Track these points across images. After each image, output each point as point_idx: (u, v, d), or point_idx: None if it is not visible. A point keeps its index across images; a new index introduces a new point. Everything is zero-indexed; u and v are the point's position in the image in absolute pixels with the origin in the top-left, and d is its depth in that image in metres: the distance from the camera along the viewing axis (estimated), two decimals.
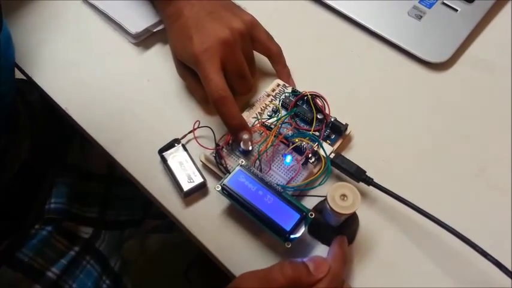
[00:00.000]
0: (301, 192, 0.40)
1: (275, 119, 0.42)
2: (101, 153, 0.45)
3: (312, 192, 0.39)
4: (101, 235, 0.55)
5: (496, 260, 0.33)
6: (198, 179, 0.40)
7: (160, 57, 0.49)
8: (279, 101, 0.44)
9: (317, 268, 0.31)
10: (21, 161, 0.49)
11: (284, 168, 0.39)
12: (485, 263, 0.33)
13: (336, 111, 0.42)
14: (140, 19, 0.49)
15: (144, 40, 0.49)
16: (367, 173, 0.39)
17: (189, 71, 0.43)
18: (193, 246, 0.40)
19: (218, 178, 0.40)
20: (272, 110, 0.43)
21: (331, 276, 0.31)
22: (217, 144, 0.40)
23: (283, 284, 0.31)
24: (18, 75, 0.52)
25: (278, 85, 0.45)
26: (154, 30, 0.48)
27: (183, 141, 0.42)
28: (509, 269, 0.33)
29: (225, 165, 0.39)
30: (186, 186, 0.40)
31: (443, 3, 0.50)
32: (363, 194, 0.40)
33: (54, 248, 0.50)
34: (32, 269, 0.47)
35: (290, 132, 0.41)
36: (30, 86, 0.50)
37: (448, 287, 0.36)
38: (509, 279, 0.33)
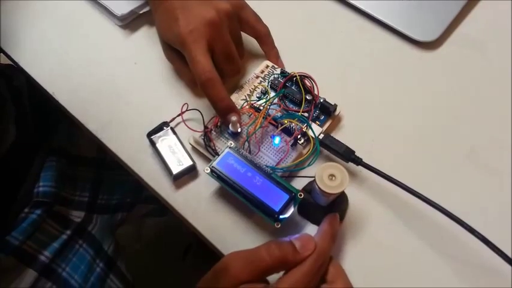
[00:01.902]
0: (291, 173, 0.40)
1: (264, 100, 0.42)
2: (91, 138, 0.44)
3: (301, 173, 0.39)
4: (93, 219, 0.55)
5: (483, 236, 0.33)
6: (187, 162, 0.40)
7: (147, 40, 0.48)
8: (268, 82, 0.44)
9: (303, 246, 0.32)
10: (7, 145, 0.49)
11: (273, 150, 0.39)
12: (473, 240, 0.34)
13: (325, 92, 0.42)
14: (126, 1, 0.48)
15: (130, 22, 0.49)
16: (356, 153, 0.39)
17: (176, 53, 0.42)
18: (189, 230, 0.41)
19: (207, 160, 0.40)
20: (261, 91, 0.43)
21: (317, 254, 0.32)
22: (205, 127, 0.40)
23: (270, 264, 0.31)
24: (4, 60, 0.51)
25: (267, 66, 0.44)
26: (141, 12, 0.48)
27: (172, 124, 0.42)
28: (496, 245, 0.33)
29: (213, 147, 0.39)
30: (176, 169, 0.40)
31: None
32: (352, 174, 0.40)
33: (46, 232, 0.50)
34: (24, 253, 0.47)
35: (279, 114, 0.41)
36: (16, 70, 0.49)
37: (436, 263, 0.36)
38: (497, 256, 0.33)
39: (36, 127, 0.55)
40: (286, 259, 0.31)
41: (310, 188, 0.37)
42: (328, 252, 0.33)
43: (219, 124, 0.40)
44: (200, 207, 0.40)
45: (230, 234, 0.38)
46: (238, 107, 0.41)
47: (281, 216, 0.35)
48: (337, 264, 0.34)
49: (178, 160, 0.40)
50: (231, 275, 0.31)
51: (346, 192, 0.36)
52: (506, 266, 0.33)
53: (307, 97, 0.42)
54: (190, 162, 0.40)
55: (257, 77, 0.44)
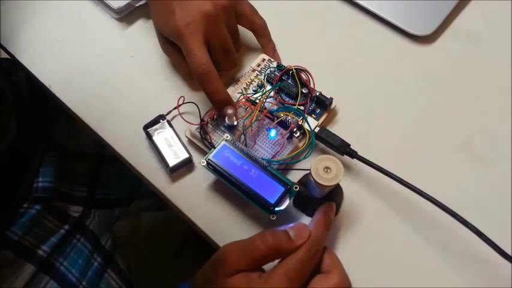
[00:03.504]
0: (286, 166, 0.40)
1: (260, 93, 0.42)
2: (88, 132, 0.45)
3: (297, 166, 0.39)
4: (91, 214, 0.55)
5: (477, 228, 0.34)
6: (184, 155, 0.40)
7: (143, 33, 0.48)
8: (264, 75, 0.44)
9: (297, 235, 0.32)
10: (9, 141, 0.49)
11: (269, 143, 0.40)
12: (467, 232, 0.34)
13: (321, 86, 0.42)
14: None
15: (127, 15, 0.49)
16: (351, 146, 0.39)
17: (172, 46, 0.42)
18: (186, 224, 0.41)
19: (204, 153, 0.40)
20: (257, 85, 0.43)
21: (311, 241, 0.32)
22: (202, 120, 0.40)
23: (265, 252, 0.31)
24: (3, 54, 0.51)
25: (263, 60, 0.45)
26: (137, 5, 0.48)
27: (168, 117, 0.42)
28: (489, 237, 0.33)
29: (210, 140, 0.40)
30: (172, 161, 0.40)
31: None
32: (348, 167, 0.40)
33: (44, 227, 0.50)
34: (23, 247, 0.48)
35: (275, 107, 0.41)
36: (15, 65, 0.49)
37: (430, 255, 0.37)
38: (489, 247, 0.33)
39: (36, 122, 0.55)
40: (280, 247, 0.31)
41: (305, 181, 0.37)
42: (322, 240, 0.33)
43: (215, 117, 0.40)
44: (196, 200, 0.40)
45: (226, 226, 0.39)
46: (235, 100, 0.41)
47: (276, 209, 0.35)
48: (333, 255, 0.34)
49: (174, 153, 0.40)
50: (227, 264, 0.31)
51: (341, 184, 0.37)
52: (499, 258, 0.33)
53: (303, 90, 0.42)
54: (186, 155, 0.40)
55: (253, 70, 0.44)
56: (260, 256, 0.31)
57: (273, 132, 0.39)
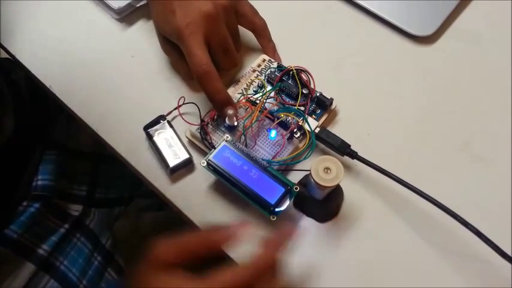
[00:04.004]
0: (287, 166, 0.40)
1: (260, 94, 0.42)
2: (88, 132, 0.45)
3: (298, 166, 0.40)
4: (91, 213, 0.55)
5: (477, 229, 0.34)
6: (184, 155, 0.40)
7: (144, 33, 0.48)
8: (265, 76, 0.44)
9: (231, 226, 0.31)
10: (4, 139, 0.49)
11: (269, 143, 0.40)
12: (467, 232, 0.34)
13: (322, 86, 0.42)
14: None
15: (127, 15, 0.49)
16: (351, 147, 0.39)
17: (173, 46, 0.42)
18: (186, 225, 0.41)
19: (204, 154, 0.40)
20: (258, 85, 0.43)
21: (254, 263, 0.29)
22: (202, 120, 0.40)
23: (194, 243, 0.30)
24: (3, 54, 0.51)
25: (264, 60, 0.45)
26: (138, 5, 0.48)
27: (169, 117, 0.42)
28: (489, 238, 0.34)
29: (210, 140, 0.40)
30: (172, 162, 0.40)
31: None
32: (348, 168, 0.40)
33: (44, 226, 0.50)
34: (22, 246, 0.48)
35: (275, 107, 0.41)
36: (15, 64, 0.49)
37: (430, 255, 0.37)
38: (490, 248, 0.33)
39: (35, 121, 0.55)
40: (209, 236, 0.31)
41: (306, 182, 0.37)
42: (268, 261, 0.30)
43: (215, 117, 0.40)
44: (196, 200, 0.40)
45: None
46: (235, 101, 0.41)
47: (277, 209, 0.35)
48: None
49: (174, 153, 0.40)
50: (153, 255, 0.30)
51: (342, 185, 0.37)
52: (499, 258, 0.33)
53: (303, 91, 0.42)
54: (186, 156, 0.40)
55: (254, 70, 0.44)
56: (190, 248, 0.30)
57: (273, 133, 0.39)
